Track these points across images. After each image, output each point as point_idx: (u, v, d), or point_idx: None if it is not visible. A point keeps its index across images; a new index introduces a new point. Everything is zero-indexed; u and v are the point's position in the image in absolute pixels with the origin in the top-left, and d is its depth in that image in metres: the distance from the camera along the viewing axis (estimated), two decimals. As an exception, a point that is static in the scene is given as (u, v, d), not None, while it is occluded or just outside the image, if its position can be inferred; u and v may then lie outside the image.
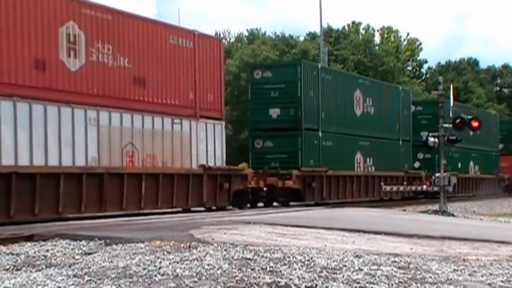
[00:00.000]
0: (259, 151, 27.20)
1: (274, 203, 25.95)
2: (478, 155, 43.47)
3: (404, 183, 33.87)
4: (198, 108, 21.43)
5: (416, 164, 37.22)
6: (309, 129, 27.22)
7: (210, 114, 22.08)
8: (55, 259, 9.10)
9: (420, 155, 37.12)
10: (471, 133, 36.21)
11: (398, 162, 34.26)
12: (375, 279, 7.68)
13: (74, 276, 7.70)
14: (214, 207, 21.91)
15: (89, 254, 9.58)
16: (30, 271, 8.16)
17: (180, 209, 20.67)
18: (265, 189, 24.99)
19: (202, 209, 21.67)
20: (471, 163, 42.67)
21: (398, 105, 34.80)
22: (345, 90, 30.04)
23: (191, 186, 20.66)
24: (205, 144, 21.78)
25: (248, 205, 23.62)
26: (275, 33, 65.29)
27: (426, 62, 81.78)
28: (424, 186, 33.28)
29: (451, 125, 26.83)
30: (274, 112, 27.14)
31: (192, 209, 21.29)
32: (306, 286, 7.17)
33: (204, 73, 21.80)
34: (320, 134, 27.89)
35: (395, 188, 32.69)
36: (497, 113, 58.08)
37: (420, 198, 35.56)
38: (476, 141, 41.54)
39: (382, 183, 31.59)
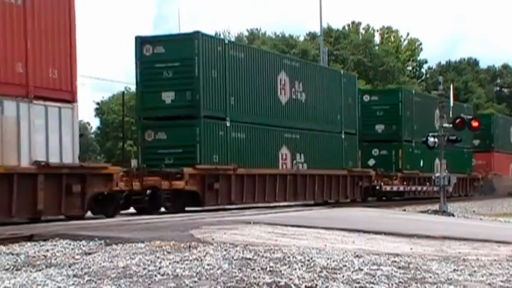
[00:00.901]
0: (150, 145, 22.42)
1: (162, 209, 21.23)
2: (447, 152, 34.10)
3: (347, 183, 29.27)
4: (31, 86, 16.34)
5: (371, 162, 33.95)
6: (211, 117, 22.49)
7: (53, 95, 17.04)
8: (55, 259, 9.10)
9: (375, 151, 34.35)
10: (437, 126, 32.55)
11: (339, 159, 28.81)
12: (375, 279, 7.68)
13: (74, 276, 7.70)
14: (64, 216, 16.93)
15: (89, 254, 9.57)
16: (30, 271, 8.16)
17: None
18: (148, 191, 20.06)
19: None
20: (437, 161, 34.81)
21: (340, 92, 29.42)
22: (264, 72, 24.74)
23: (16, 191, 15.36)
24: (45, 135, 16.69)
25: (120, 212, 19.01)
26: (275, 33, 65.45)
27: (426, 62, 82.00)
28: (388, 187, 32.14)
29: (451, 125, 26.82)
30: (168, 96, 22.27)
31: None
32: (306, 286, 7.17)
33: (43, 39, 16.83)
34: (228, 124, 23.00)
35: (395, 188, 32.66)
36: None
37: (370, 201, 31.31)
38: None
39: (316, 185, 26.91)
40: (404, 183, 34.19)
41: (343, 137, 29.75)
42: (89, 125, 70.57)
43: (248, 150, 24.01)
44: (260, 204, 24.25)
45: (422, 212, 26.11)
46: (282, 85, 25.80)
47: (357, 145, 31.21)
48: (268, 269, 8.10)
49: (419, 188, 35.46)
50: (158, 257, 8.89)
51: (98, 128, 67.82)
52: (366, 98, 35.00)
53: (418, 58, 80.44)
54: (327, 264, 8.61)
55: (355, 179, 29.96)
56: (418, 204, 32.04)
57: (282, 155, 25.58)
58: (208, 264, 8.30)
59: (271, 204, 25.07)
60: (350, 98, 30.78)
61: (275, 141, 25.32)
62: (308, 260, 8.83)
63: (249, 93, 24.15)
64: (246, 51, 25.22)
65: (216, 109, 22.80)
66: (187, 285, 7.13)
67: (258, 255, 9.17)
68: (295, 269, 8.10)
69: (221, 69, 22.92)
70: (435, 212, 25.40)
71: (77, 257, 9.29)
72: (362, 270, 8.24)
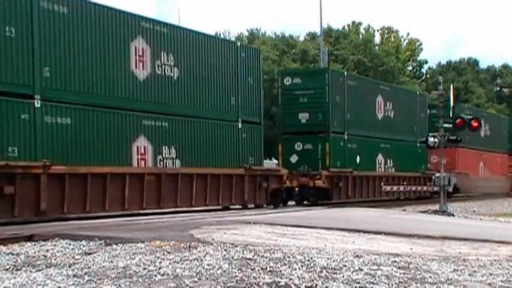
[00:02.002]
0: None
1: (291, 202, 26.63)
2: (392, 147, 32.81)
3: (245, 185, 24.22)
4: None
5: (294, 159, 28.44)
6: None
7: None
8: (55, 259, 9.10)
9: (298, 146, 28.68)
10: (379, 117, 31.93)
11: (234, 155, 23.65)
12: (375, 279, 7.68)
13: (74, 276, 7.70)
14: None
15: (89, 254, 9.58)
16: (30, 271, 8.16)
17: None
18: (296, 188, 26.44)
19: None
20: (379, 157, 31.92)
21: (235, 69, 23.68)
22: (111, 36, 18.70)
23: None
24: None
25: None
26: (275, 33, 65.44)
27: (426, 62, 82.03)
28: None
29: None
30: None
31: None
32: (306, 286, 7.17)
33: None
34: (37, 104, 19.08)
35: (395, 188, 32.74)
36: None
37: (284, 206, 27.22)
38: (392, 127, 32.70)
39: (194, 188, 22.38)
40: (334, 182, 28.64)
41: (239, 126, 23.47)
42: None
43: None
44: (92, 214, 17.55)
45: (422, 212, 26.12)
46: (139, 55, 19.64)
47: (261, 137, 24.75)
48: (268, 269, 8.10)
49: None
50: (158, 257, 8.89)
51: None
52: (287, 81, 29.00)
53: (418, 58, 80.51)
54: (327, 264, 8.62)
55: (257, 180, 23.86)
56: (418, 204, 32.08)
57: (138, 149, 19.42)
58: (208, 264, 8.30)
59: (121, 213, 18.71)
60: (250, 78, 24.19)
61: (126, 130, 19.02)
62: (308, 260, 8.83)
63: (79, 61, 17.87)
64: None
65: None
66: (187, 285, 7.13)
67: (258, 255, 9.17)
68: (295, 269, 8.11)
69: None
70: (435, 212, 25.40)
71: (77, 257, 9.29)
72: (362, 270, 8.25)
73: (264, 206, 24.02)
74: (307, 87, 28.27)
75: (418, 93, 38.69)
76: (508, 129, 49.30)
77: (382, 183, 31.60)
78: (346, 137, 29.15)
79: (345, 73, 32.38)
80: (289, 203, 27.50)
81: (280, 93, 29.63)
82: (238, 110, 23.50)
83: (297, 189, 27.47)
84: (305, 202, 27.60)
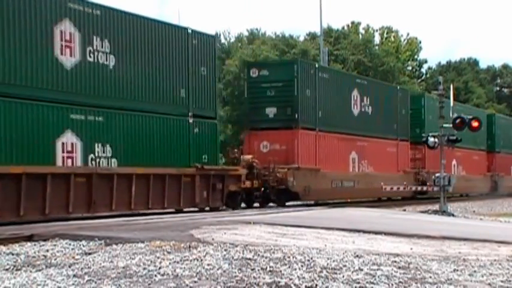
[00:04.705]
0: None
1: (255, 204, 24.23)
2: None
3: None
4: None
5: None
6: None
7: None
8: (55, 259, 9.10)
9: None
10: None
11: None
12: (375, 279, 7.68)
13: (74, 276, 7.70)
14: None
15: (89, 254, 9.57)
16: (30, 271, 8.16)
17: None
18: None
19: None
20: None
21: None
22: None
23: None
24: None
25: None
26: (275, 33, 65.41)
27: (426, 62, 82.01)
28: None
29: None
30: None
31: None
32: (306, 286, 7.17)
33: None
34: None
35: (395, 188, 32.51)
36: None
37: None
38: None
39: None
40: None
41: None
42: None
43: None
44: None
45: (422, 212, 26.12)
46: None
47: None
48: (268, 269, 8.09)
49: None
50: (158, 257, 8.89)
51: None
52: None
53: (418, 58, 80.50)
54: (327, 264, 8.61)
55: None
56: (418, 204, 32.07)
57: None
58: (208, 264, 8.30)
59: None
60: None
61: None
62: (308, 260, 8.83)
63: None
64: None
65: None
66: (187, 285, 7.13)
67: (258, 255, 9.17)
68: (295, 269, 8.10)
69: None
70: (435, 212, 25.40)
71: (77, 257, 9.29)
72: (362, 270, 8.24)
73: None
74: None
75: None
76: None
77: (382, 183, 31.44)
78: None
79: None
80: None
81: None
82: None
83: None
84: (270, 204, 25.20)
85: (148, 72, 19.77)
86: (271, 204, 25.21)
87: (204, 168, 21.25)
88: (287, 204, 25.88)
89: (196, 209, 21.17)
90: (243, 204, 23.93)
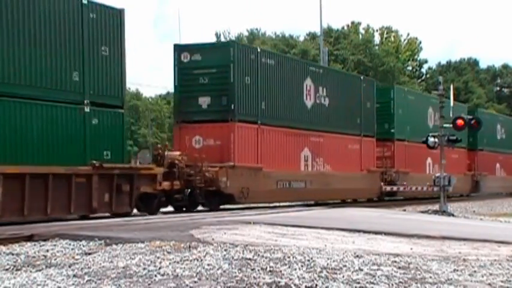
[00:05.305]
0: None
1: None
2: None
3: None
4: None
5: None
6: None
7: None
8: (55, 259, 9.10)
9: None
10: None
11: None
12: (375, 279, 7.68)
13: (74, 276, 7.70)
14: None
15: (89, 254, 9.57)
16: (30, 271, 8.16)
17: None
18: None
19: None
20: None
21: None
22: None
23: None
24: None
25: None
26: (275, 33, 65.50)
27: (426, 62, 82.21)
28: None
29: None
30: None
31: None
32: (306, 286, 7.17)
33: None
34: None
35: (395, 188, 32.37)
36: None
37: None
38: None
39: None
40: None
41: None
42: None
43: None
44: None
45: (422, 212, 26.12)
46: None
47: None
48: (268, 269, 8.09)
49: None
50: (158, 257, 8.89)
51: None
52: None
53: (418, 58, 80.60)
54: (327, 264, 8.61)
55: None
56: (418, 204, 32.08)
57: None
58: (208, 264, 8.30)
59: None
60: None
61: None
62: (308, 260, 8.82)
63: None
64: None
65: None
66: (187, 285, 7.13)
67: (258, 255, 9.16)
68: (295, 269, 8.10)
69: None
70: (435, 212, 25.39)
71: (77, 257, 9.29)
72: (362, 270, 8.24)
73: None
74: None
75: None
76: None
77: (382, 183, 31.32)
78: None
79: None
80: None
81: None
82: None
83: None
84: (199, 208, 22.53)
85: (24, 49, 16.26)
86: (200, 208, 22.43)
87: (103, 166, 17.76)
88: (221, 207, 22.66)
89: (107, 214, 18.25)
90: (170, 208, 21.46)
